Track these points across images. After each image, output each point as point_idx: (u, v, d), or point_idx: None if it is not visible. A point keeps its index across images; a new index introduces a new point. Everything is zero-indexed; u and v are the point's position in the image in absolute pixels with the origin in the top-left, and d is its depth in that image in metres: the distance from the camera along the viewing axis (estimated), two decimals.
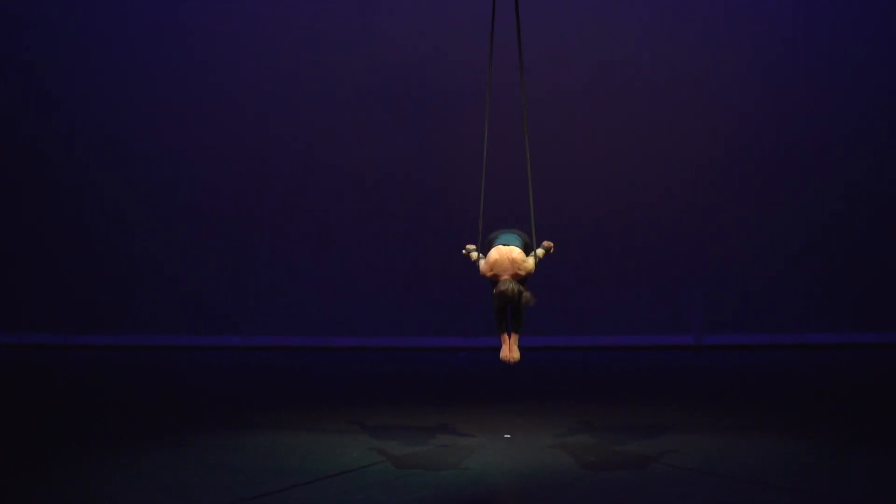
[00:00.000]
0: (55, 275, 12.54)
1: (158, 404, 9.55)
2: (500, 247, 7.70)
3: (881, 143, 12.36)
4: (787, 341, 12.40)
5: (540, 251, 8.00)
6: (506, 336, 7.77)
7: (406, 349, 12.39)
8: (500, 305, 7.60)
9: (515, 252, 7.65)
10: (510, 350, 7.80)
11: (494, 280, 7.64)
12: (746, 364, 11.62)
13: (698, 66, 12.33)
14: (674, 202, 12.37)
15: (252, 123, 12.43)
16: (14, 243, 12.55)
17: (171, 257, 12.50)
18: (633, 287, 12.40)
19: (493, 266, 7.65)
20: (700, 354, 12.18)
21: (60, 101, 12.47)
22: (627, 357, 12.06)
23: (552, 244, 8.08)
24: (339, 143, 12.41)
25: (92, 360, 11.95)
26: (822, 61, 12.30)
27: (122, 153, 12.47)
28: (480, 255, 7.89)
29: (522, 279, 7.72)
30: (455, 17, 12.09)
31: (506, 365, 7.85)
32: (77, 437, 8.25)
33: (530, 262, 7.73)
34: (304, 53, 12.37)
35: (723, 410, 9.16)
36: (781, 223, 12.39)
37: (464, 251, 8.08)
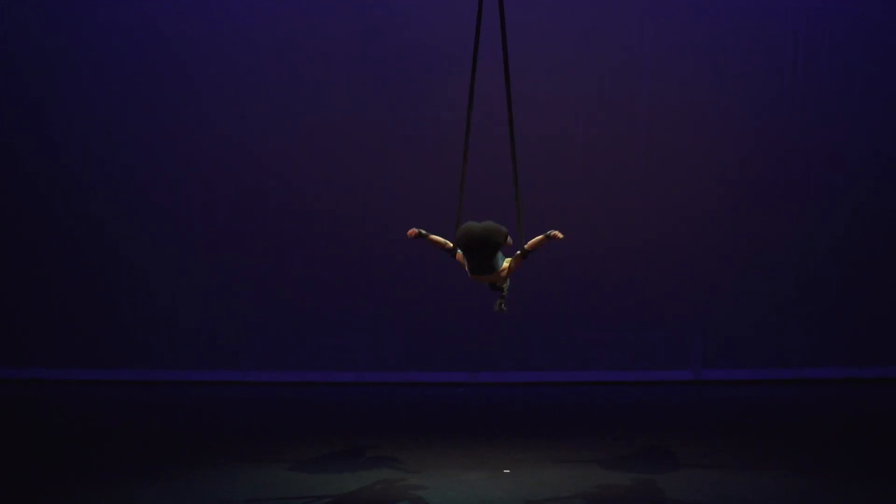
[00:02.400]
0: (51, 309, 12.51)
1: (157, 439, 9.52)
2: (476, 276, 7.78)
3: (879, 179, 12.37)
4: (786, 376, 12.37)
5: (535, 241, 7.83)
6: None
7: (404, 384, 12.37)
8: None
9: (492, 276, 7.79)
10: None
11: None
12: (746, 399, 11.60)
13: (698, 104, 12.35)
14: (672, 237, 12.36)
15: (250, 159, 12.42)
16: (9, 277, 12.53)
17: (169, 291, 12.46)
18: (631, 322, 12.38)
19: (473, 278, 7.84)
20: (699, 389, 12.16)
21: (59, 136, 12.45)
22: (626, 392, 12.03)
23: (557, 234, 7.82)
24: (338, 180, 12.40)
25: (88, 394, 11.92)
26: (821, 101, 12.33)
27: (121, 187, 12.45)
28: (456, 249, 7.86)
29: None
30: (441, 84, 12.12)
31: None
32: (73, 472, 8.23)
33: (506, 268, 7.86)
34: (302, 91, 12.39)
35: (722, 445, 9.14)
36: (780, 258, 12.39)
37: (412, 232, 8.02)
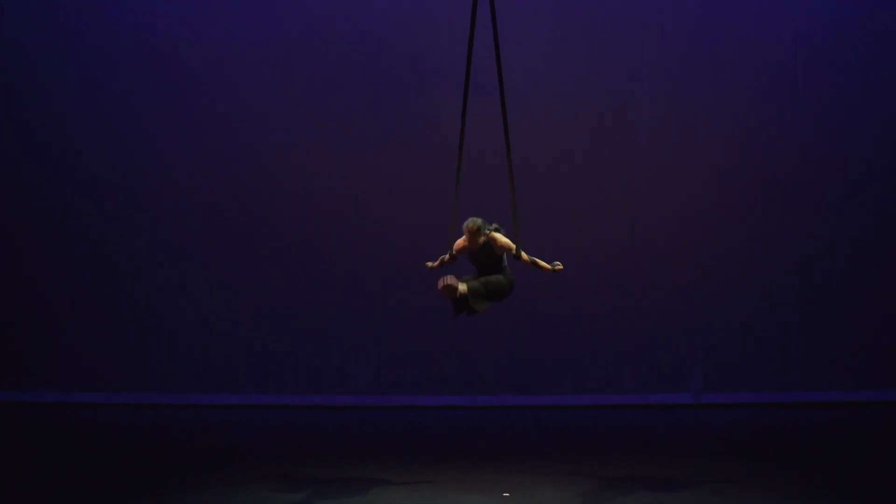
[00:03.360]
0: (51, 332, 12.51)
1: (157, 463, 9.51)
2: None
3: (881, 202, 12.40)
4: (786, 399, 12.37)
5: (539, 262, 8.30)
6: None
7: (402, 408, 12.36)
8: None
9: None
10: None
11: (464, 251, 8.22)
12: (746, 422, 11.58)
13: (698, 126, 12.38)
14: (672, 261, 12.37)
15: (251, 184, 12.45)
16: (9, 300, 12.53)
17: (169, 314, 12.47)
18: (631, 346, 12.38)
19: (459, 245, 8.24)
20: (699, 412, 12.15)
21: (59, 159, 12.47)
22: (626, 415, 12.03)
23: (559, 265, 8.30)
24: (338, 204, 12.42)
25: (88, 418, 11.91)
26: (823, 119, 12.37)
27: (121, 210, 12.46)
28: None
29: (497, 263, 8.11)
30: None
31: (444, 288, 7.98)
32: (74, 495, 8.22)
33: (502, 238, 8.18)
34: (301, 120, 12.42)
35: (722, 469, 9.13)
36: (780, 281, 12.40)
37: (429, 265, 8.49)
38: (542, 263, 8.32)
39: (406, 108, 12.37)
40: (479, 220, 8.18)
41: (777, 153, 12.41)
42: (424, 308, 12.31)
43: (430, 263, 8.57)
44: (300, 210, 12.45)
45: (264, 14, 12.43)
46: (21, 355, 12.53)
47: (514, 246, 8.27)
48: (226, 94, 12.46)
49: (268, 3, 12.45)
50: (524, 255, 8.28)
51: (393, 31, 12.38)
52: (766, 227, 12.41)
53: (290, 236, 12.44)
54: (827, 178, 12.41)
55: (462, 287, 8.00)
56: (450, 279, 7.94)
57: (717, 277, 12.39)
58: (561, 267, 8.32)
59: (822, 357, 12.41)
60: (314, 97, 12.42)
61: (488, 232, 8.22)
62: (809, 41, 12.33)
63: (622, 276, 12.37)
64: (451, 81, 11.95)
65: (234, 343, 12.47)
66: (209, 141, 12.45)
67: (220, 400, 12.47)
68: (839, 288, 12.40)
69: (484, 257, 8.26)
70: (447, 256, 8.47)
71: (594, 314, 12.37)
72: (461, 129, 8.33)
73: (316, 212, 12.45)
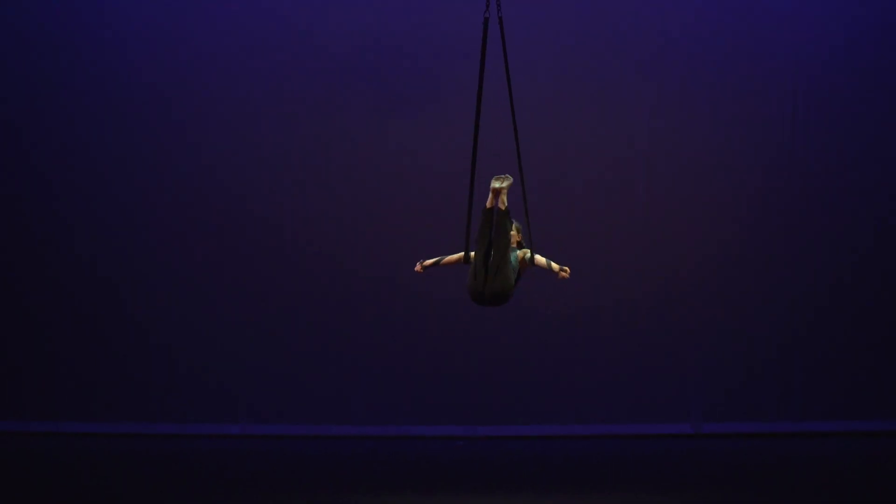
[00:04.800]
0: (48, 362, 12.49)
1: (155, 494, 9.49)
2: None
3: (881, 231, 12.43)
4: (786, 429, 12.36)
5: (547, 262, 8.12)
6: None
7: (403, 437, 12.34)
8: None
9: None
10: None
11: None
12: (745, 452, 11.57)
13: (696, 156, 12.44)
14: (671, 290, 12.40)
15: (252, 214, 12.48)
16: (7, 330, 12.52)
17: (168, 344, 12.46)
18: (630, 375, 12.38)
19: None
20: (699, 443, 12.13)
21: (58, 190, 12.51)
22: (625, 445, 12.01)
23: (566, 271, 8.12)
24: (339, 236, 12.45)
25: (87, 447, 11.89)
26: (821, 150, 12.42)
27: (121, 240, 12.48)
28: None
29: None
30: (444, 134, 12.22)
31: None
32: None
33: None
34: (301, 148, 12.47)
35: (722, 500, 9.11)
36: (778, 311, 12.42)
37: (418, 267, 8.29)
38: (553, 265, 8.13)
39: (410, 132, 12.42)
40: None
41: (775, 183, 12.44)
42: (424, 338, 12.36)
43: (422, 262, 8.37)
44: (301, 241, 12.48)
45: (255, 43, 12.47)
46: (17, 385, 12.51)
47: (528, 258, 8.13)
48: (229, 129, 12.50)
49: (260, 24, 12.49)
50: (537, 259, 8.15)
51: (398, 44, 12.43)
52: (764, 257, 12.43)
53: (291, 267, 12.46)
54: (826, 206, 12.45)
55: (503, 204, 7.93)
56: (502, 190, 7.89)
57: (716, 307, 12.41)
58: (567, 273, 8.10)
59: (822, 387, 12.41)
60: (316, 125, 12.47)
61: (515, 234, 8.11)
62: (809, 69, 12.39)
63: (621, 307, 12.38)
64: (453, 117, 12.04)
65: (233, 373, 12.46)
66: (212, 171, 12.48)
67: (219, 430, 12.45)
68: (839, 318, 12.41)
69: (500, 238, 8.05)
70: (442, 260, 8.31)
71: (593, 344, 12.38)
72: (472, 159, 8.24)
73: (316, 242, 12.47)
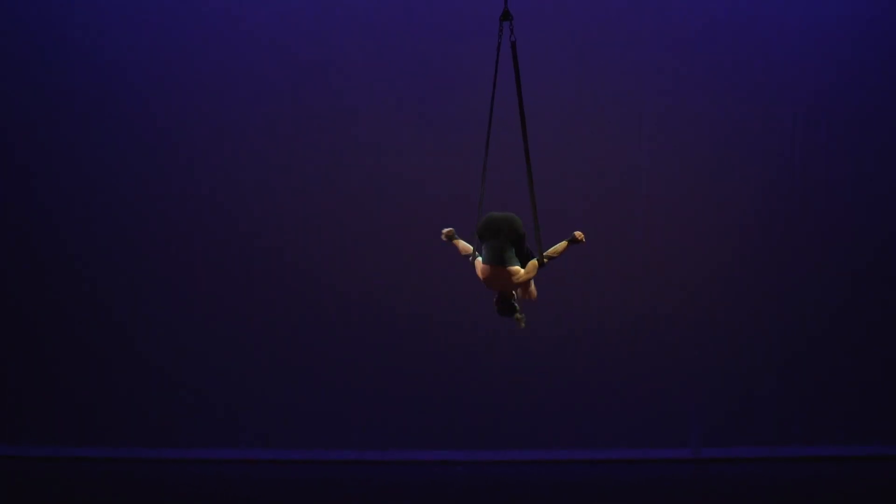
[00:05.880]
0: (48, 386, 12.51)
1: None
2: (489, 267, 7.63)
3: (879, 257, 12.40)
4: (787, 454, 12.32)
5: (557, 247, 7.89)
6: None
7: (403, 462, 12.34)
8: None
9: (504, 271, 7.62)
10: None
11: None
12: (745, 477, 11.55)
13: (694, 183, 12.42)
14: (671, 314, 12.37)
15: (251, 238, 12.50)
16: (10, 354, 12.56)
17: (167, 368, 12.47)
18: (630, 400, 12.36)
19: (485, 280, 7.67)
20: (699, 467, 12.10)
21: (56, 210, 12.52)
22: (625, 470, 11.99)
23: (581, 235, 7.94)
24: (339, 255, 12.47)
25: (85, 472, 11.92)
26: (820, 178, 12.40)
27: (122, 265, 12.50)
28: (476, 253, 7.79)
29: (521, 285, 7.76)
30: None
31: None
32: None
33: (522, 273, 7.69)
34: (302, 177, 12.48)
35: None
36: (779, 335, 12.39)
37: (443, 236, 8.07)
38: (561, 248, 7.92)
39: (413, 164, 12.45)
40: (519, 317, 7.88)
41: (773, 209, 12.43)
42: (423, 363, 12.36)
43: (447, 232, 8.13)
44: (301, 264, 12.49)
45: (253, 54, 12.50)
46: (18, 409, 12.54)
47: (536, 266, 7.88)
48: (231, 160, 12.53)
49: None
50: (545, 259, 8.02)
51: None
52: (764, 282, 12.41)
53: (290, 292, 12.46)
54: (824, 232, 12.43)
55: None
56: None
57: (716, 331, 12.38)
58: (580, 235, 7.93)
59: (822, 411, 12.37)
60: (312, 156, 12.52)
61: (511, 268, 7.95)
62: (808, 103, 12.38)
63: (620, 330, 12.36)
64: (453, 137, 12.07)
65: (233, 397, 12.47)
66: (210, 194, 12.50)
67: (219, 454, 12.45)
68: (839, 341, 12.38)
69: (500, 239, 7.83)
70: (467, 250, 8.01)
71: (592, 368, 12.36)
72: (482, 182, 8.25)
73: (316, 266, 12.48)
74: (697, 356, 12.35)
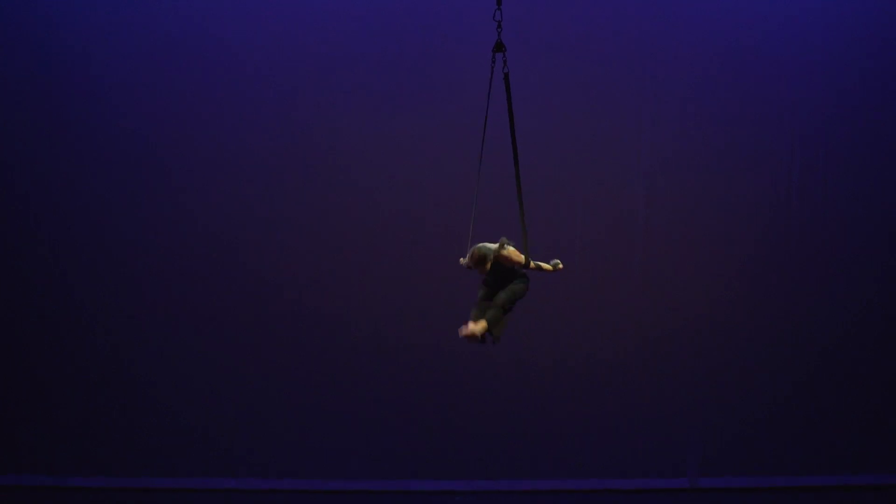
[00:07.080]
0: (47, 415, 12.49)
1: None
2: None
3: (878, 288, 12.41)
4: (785, 483, 12.28)
5: (542, 264, 8.21)
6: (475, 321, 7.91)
7: (401, 492, 12.31)
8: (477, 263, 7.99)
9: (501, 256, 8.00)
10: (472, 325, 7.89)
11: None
12: None
13: (692, 214, 12.45)
14: (668, 344, 12.38)
15: (249, 268, 12.52)
16: (6, 382, 12.55)
17: (166, 398, 12.46)
18: (626, 430, 12.34)
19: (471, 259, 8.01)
20: (695, 497, 12.06)
21: (58, 251, 12.54)
22: (622, 500, 11.95)
23: (559, 263, 8.24)
24: (335, 288, 12.49)
25: (85, 502, 11.89)
26: (817, 211, 12.44)
27: (119, 296, 12.50)
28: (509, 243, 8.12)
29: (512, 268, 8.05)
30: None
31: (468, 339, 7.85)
32: None
33: (512, 251, 8.05)
34: (293, 201, 12.53)
35: None
36: (777, 366, 12.39)
37: (467, 261, 8.19)
38: (545, 266, 8.26)
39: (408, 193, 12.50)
40: (484, 249, 8.03)
41: (772, 239, 12.45)
42: (422, 391, 12.34)
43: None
44: (298, 293, 12.50)
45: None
46: (16, 438, 12.52)
47: (523, 258, 8.16)
48: (232, 186, 12.58)
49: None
50: (532, 264, 8.23)
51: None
52: (762, 312, 12.41)
53: (288, 320, 12.48)
54: (824, 263, 12.44)
55: (481, 326, 7.95)
56: (467, 330, 7.90)
57: (714, 360, 12.38)
58: (561, 266, 8.24)
59: (821, 440, 12.35)
60: (307, 184, 12.55)
61: (497, 253, 8.13)
62: (806, 131, 12.44)
63: (617, 360, 12.36)
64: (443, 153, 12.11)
65: (231, 427, 12.46)
66: (207, 225, 12.53)
67: (217, 484, 12.43)
68: (837, 371, 12.38)
69: (496, 274, 8.17)
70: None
71: (589, 398, 12.35)
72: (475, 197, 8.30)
73: (316, 298, 12.48)
74: (694, 386, 12.34)
